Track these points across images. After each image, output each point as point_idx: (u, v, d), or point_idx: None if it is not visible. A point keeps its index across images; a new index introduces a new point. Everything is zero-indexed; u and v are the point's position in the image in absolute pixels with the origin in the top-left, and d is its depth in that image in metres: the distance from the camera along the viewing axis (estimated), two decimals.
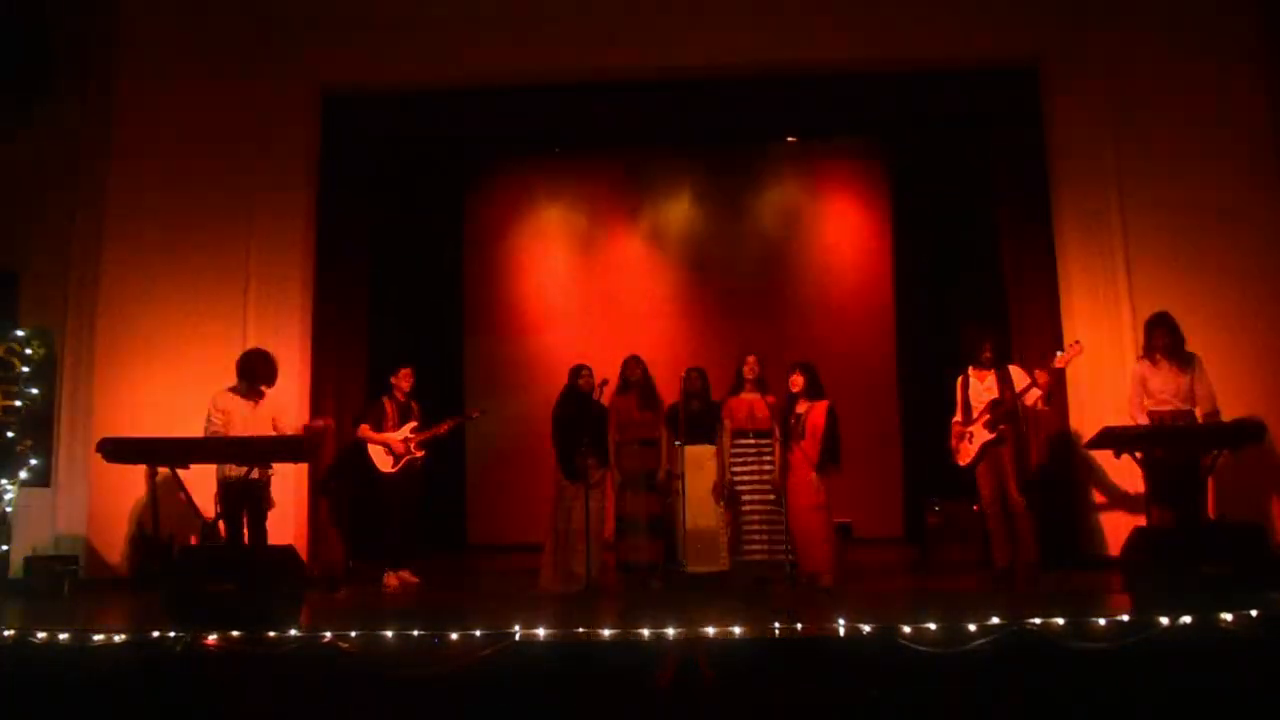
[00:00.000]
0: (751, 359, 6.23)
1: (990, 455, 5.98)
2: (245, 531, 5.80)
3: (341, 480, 7.23)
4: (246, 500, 5.67)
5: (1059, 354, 5.97)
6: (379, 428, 6.67)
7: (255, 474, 5.53)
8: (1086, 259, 6.85)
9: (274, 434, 5.77)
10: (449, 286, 10.14)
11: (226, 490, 5.64)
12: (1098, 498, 6.62)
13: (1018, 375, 6.06)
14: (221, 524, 5.48)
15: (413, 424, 6.75)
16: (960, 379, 6.23)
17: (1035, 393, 5.91)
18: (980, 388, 6.10)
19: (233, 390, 5.84)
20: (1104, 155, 6.89)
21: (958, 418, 6.18)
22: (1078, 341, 5.98)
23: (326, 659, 3.94)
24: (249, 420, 5.77)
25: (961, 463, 6.12)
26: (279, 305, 7.06)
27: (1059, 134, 7.02)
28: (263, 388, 5.88)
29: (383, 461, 6.64)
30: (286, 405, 5.91)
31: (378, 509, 6.73)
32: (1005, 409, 5.93)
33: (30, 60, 6.63)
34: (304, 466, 6.80)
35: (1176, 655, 3.81)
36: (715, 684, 3.69)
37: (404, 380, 6.80)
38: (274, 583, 4.45)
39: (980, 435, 5.99)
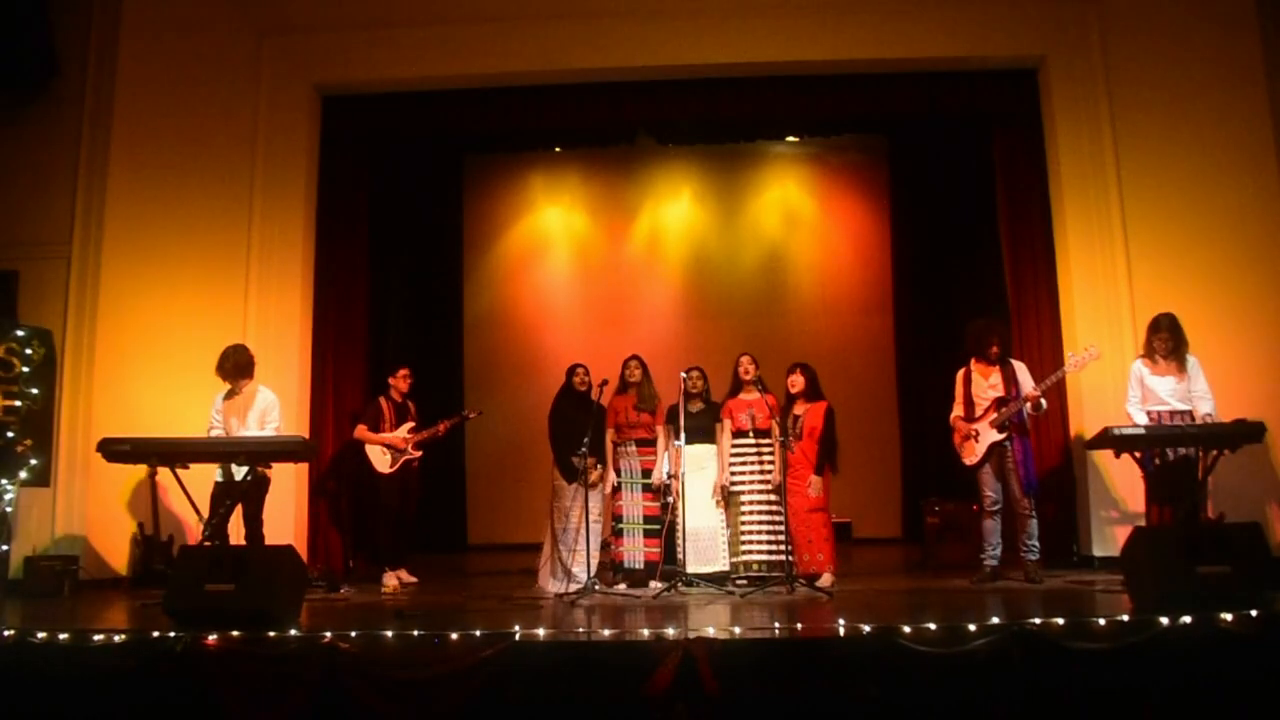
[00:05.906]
0: (745, 360, 6.22)
1: (996, 455, 5.97)
2: (244, 530, 5.85)
3: (340, 480, 7.23)
4: (244, 501, 5.70)
5: (1072, 357, 5.93)
6: (376, 428, 6.67)
7: (252, 474, 5.55)
8: (1086, 259, 6.86)
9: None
10: (449, 286, 10.15)
11: (224, 490, 5.69)
12: (1098, 498, 6.62)
13: (1023, 374, 6.04)
14: (216, 523, 5.50)
15: (410, 424, 6.76)
16: (962, 372, 6.19)
17: (1031, 396, 5.89)
18: (984, 384, 6.06)
19: (228, 393, 5.99)
20: (1104, 155, 6.91)
21: (958, 412, 6.14)
22: (1093, 346, 5.91)
23: (326, 659, 3.93)
24: (240, 422, 5.91)
25: (968, 462, 6.09)
26: (278, 305, 7.10)
27: (1059, 134, 7.03)
28: (243, 386, 5.95)
29: (380, 462, 6.64)
30: (269, 409, 5.98)
31: (376, 509, 6.73)
32: (1010, 408, 5.92)
33: (31, 60, 6.63)
34: (304, 466, 6.81)
35: (1176, 655, 3.80)
36: (715, 685, 3.68)
37: (402, 381, 6.81)
38: (274, 583, 4.44)
39: (987, 435, 5.97)
